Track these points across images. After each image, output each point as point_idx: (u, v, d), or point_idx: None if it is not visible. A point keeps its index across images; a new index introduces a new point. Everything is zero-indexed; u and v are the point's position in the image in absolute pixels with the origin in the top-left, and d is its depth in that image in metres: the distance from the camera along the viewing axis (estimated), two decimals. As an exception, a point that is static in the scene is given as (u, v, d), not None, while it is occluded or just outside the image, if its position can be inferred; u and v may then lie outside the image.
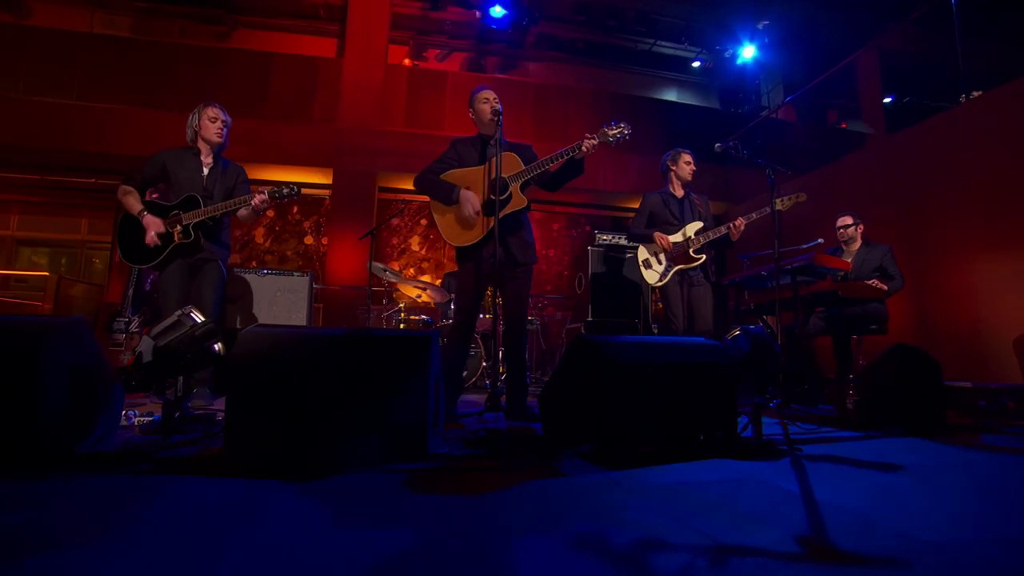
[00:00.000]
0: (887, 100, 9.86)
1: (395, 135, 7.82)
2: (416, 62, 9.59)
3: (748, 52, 9.00)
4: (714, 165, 8.07)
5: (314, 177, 7.95)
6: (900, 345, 2.60)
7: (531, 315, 5.37)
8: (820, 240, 4.06)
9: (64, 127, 6.86)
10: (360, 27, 7.99)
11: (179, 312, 1.85)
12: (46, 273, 5.36)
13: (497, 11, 8.75)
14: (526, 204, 2.67)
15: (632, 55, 9.74)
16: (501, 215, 2.55)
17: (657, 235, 3.56)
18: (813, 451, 1.86)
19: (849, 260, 3.88)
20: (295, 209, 8.21)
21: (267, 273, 4.14)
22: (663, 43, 9.44)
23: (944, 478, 1.51)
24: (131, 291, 3.52)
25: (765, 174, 3.01)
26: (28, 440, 1.48)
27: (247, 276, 4.09)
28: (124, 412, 2.13)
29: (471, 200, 2.65)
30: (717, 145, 3.25)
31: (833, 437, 2.12)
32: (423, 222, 8.99)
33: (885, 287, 3.61)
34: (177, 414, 1.92)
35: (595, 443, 1.70)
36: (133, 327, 3.50)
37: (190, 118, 3.11)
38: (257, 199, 2.87)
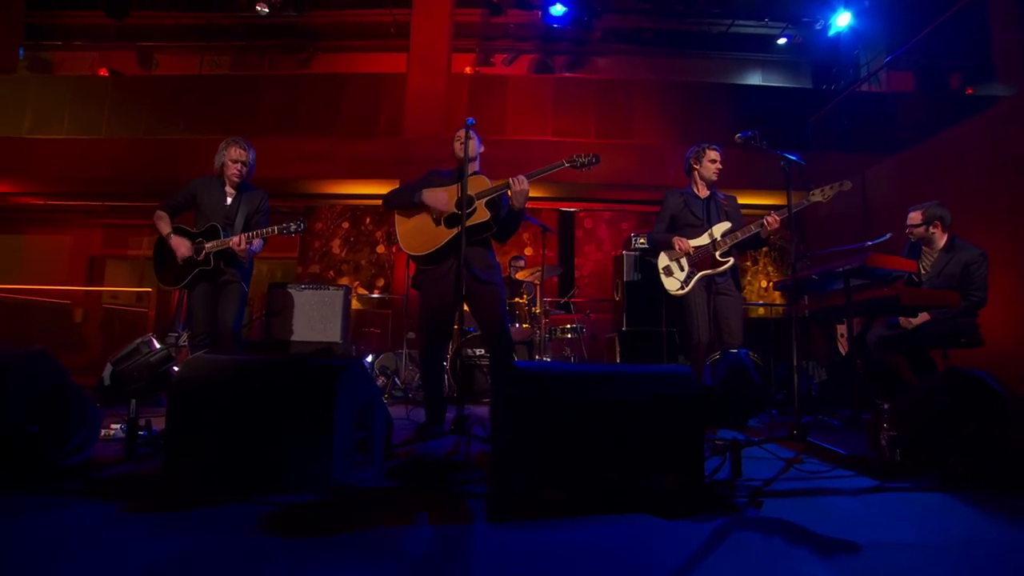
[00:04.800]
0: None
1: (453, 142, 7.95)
2: (479, 68, 9.69)
3: (843, 20, 7.95)
4: (795, 151, 7.23)
5: (383, 188, 8.30)
6: (953, 368, 2.10)
7: (574, 322, 5.15)
8: (888, 235, 3.44)
9: (173, 159, 7.84)
10: (422, 40, 8.23)
11: (139, 340, 1.98)
12: (149, 289, 6.16)
13: (558, 9, 8.56)
14: (487, 219, 2.57)
15: (707, 39, 9.04)
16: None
17: (676, 239, 3.22)
18: (779, 508, 1.53)
19: (928, 260, 3.24)
20: (367, 220, 8.65)
21: (305, 288, 4.38)
22: (741, 22, 8.64)
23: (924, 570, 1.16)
24: (183, 304, 3.89)
25: (780, 166, 2.58)
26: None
27: (288, 291, 4.36)
28: (120, 426, 2.34)
29: (437, 195, 2.63)
30: (737, 136, 2.86)
31: (830, 488, 1.74)
32: (489, 228, 9.05)
33: (928, 317, 2.99)
34: (143, 432, 2.06)
35: (492, 486, 1.54)
36: (182, 341, 3.88)
37: (220, 148, 3.34)
38: (242, 247, 3.05)
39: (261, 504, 1.51)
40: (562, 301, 5.41)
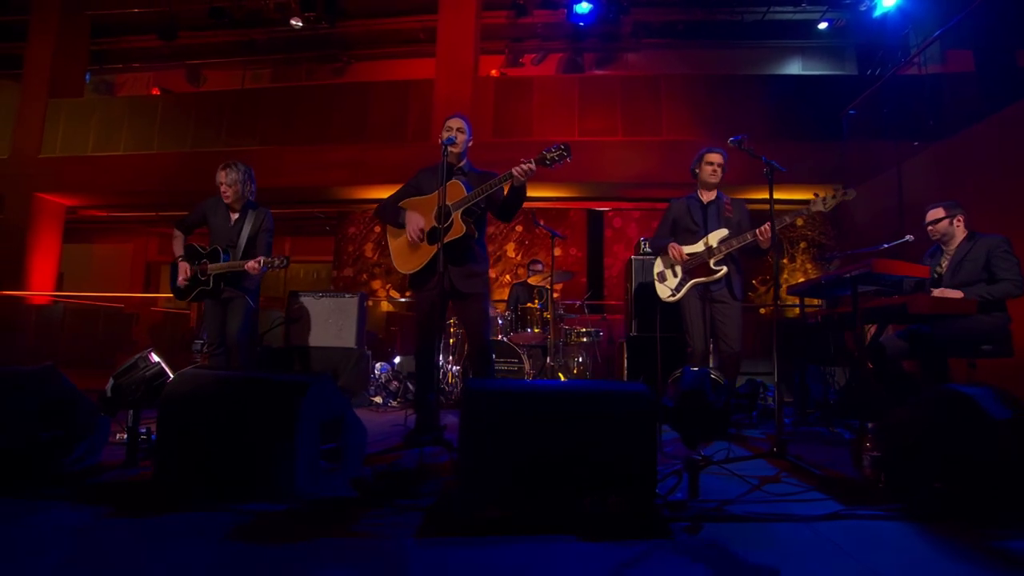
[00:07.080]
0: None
1: (481, 146, 8.02)
2: (508, 70, 9.71)
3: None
4: (831, 142, 6.87)
5: (412, 194, 8.53)
6: (946, 387, 1.97)
7: (589, 324, 5.12)
8: (909, 238, 3.24)
9: (211, 172, 8.31)
10: (448, 45, 8.34)
11: (138, 355, 2.16)
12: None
13: (583, 7, 8.46)
14: (464, 232, 2.60)
15: (742, 28, 8.68)
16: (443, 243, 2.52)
17: (671, 246, 3.16)
18: (719, 534, 1.49)
19: (944, 262, 3.03)
20: (398, 225, 8.88)
21: (322, 296, 4.57)
22: (777, 8, 8.25)
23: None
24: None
25: (763, 169, 2.48)
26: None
27: (304, 299, 4.56)
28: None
29: (413, 220, 2.71)
30: (730, 140, 2.77)
31: (785, 514, 1.67)
32: (518, 228, 9.10)
33: (961, 295, 2.76)
34: (144, 439, 2.24)
35: (436, 500, 1.59)
36: (206, 348, 4.14)
37: (217, 174, 3.54)
38: (249, 265, 3.20)
39: (225, 512, 1.61)
40: (577, 304, 5.37)
